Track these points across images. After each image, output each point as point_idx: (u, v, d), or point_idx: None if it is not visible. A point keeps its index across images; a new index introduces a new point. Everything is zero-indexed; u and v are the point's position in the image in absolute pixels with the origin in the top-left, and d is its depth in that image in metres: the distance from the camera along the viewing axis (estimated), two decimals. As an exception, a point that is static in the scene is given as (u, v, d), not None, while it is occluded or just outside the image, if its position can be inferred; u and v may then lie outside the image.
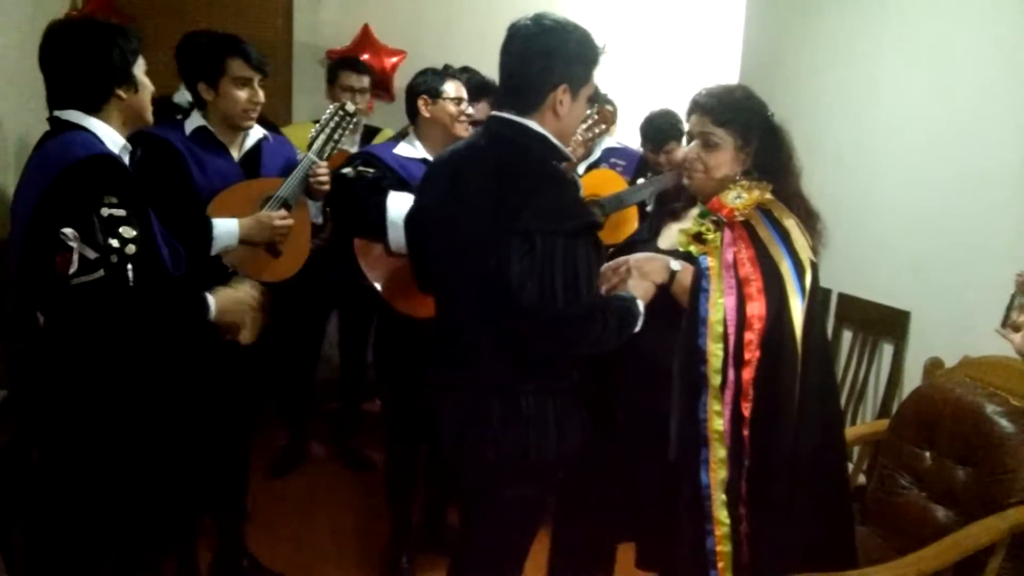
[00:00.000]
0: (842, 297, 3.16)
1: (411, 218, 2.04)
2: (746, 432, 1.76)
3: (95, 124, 1.87)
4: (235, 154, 2.51)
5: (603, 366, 1.95)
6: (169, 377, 1.98)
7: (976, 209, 2.58)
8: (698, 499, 1.79)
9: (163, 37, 4.11)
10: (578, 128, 1.97)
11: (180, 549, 2.62)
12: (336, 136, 2.57)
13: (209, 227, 2.31)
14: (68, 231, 1.73)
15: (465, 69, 3.92)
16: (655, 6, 5.14)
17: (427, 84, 2.65)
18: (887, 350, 2.94)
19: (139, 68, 1.93)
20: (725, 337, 1.77)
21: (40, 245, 1.76)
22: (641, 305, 1.83)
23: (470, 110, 2.70)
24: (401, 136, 3.27)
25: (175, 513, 2.57)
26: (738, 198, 1.84)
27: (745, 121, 1.88)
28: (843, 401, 2.97)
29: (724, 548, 1.79)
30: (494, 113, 1.85)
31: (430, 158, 2.67)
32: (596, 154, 3.21)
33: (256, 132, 2.55)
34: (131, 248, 1.79)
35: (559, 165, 1.83)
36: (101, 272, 1.75)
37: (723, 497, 1.78)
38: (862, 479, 2.60)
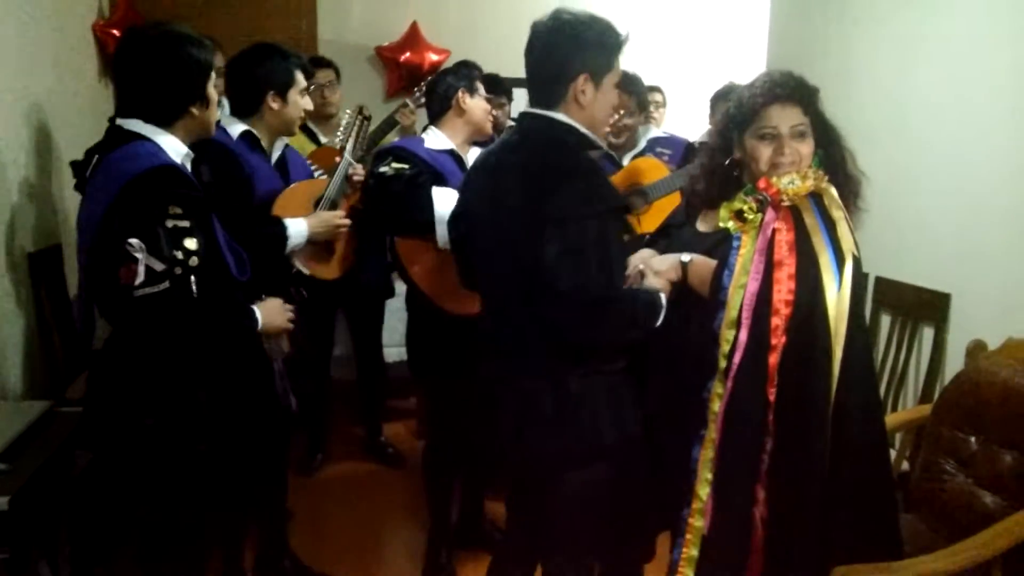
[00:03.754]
0: (879, 280, 3.10)
1: (454, 218, 2.11)
2: (770, 417, 1.74)
3: (158, 134, 1.87)
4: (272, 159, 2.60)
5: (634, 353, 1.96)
6: (222, 380, 2.01)
7: (1015, 187, 2.51)
8: (686, 471, 1.82)
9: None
10: (610, 115, 1.97)
11: (226, 550, 2.65)
12: (362, 136, 2.75)
13: (283, 227, 2.45)
14: (134, 242, 1.73)
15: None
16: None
17: (466, 79, 2.73)
18: (927, 334, 2.88)
19: (211, 84, 1.94)
20: (738, 323, 1.75)
21: (105, 256, 1.77)
22: (664, 299, 1.84)
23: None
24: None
25: (223, 513, 2.61)
26: (791, 184, 1.78)
27: (814, 103, 1.84)
28: (883, 387, 2.93)
29: (696, 522, 1.80)
30: (524, 109, 1.92)
31: (457, 149, 2.72)
32: (641, 144, 3.21)
33: (283, 139, 2.65)
34: (194, 260, 1.81)
35: (590, 153, 1.88)
36: (166, 284, 1.76)
37: (707, 476, 1.78)
38: (905, 466, 2.57)
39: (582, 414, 1.82)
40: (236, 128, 2.50)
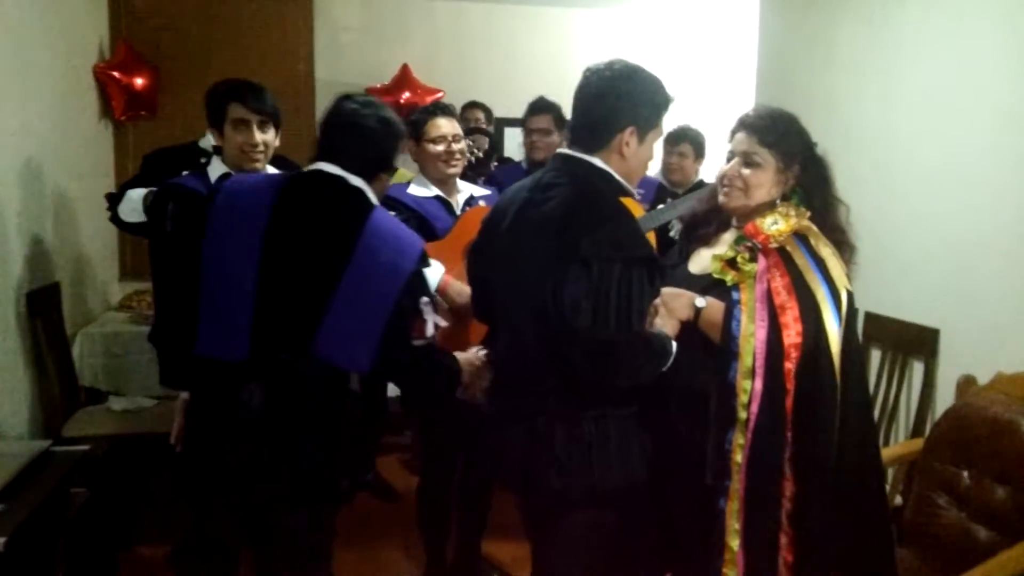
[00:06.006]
0: (869, 316, 3.14)
1: (474, 251, 2.11)
2: (788, 459, 1.76)
3: (368, 190, 2.01)
4: None
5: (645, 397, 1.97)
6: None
7: (1002, 222, 2.56)
8: (713, 524, 1.83)
9: (187, 84, 4.23)
10: (646, 169, 2.02)
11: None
12: None
13: None
14: (425, 300, 2.06)
15: (474, 104, 3.94)
16: (669, 29, 5.21)
17: (411, 127, 2.65)
18: (917, 369, 2.91)
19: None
20: (753, 373, 1.77)
21: (400, 317, 1.93)
22: (673, 345, 1.84)
23: (461, 145, 2.70)
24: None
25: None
26: (775, 224, 1.84)
27: (789, 146, 1.90)
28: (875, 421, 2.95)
29: (729, 572, 1.81)
30: (563, 151, 1.95)
31: (443, 195, 2.71)
32: None
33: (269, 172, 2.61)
34: None
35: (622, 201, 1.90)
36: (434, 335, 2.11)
37: (735, 526, 1.79)
38: (898, 500, 2.58)
39: (593, 455, 1.81)
40: (217, 170, 2.50)
